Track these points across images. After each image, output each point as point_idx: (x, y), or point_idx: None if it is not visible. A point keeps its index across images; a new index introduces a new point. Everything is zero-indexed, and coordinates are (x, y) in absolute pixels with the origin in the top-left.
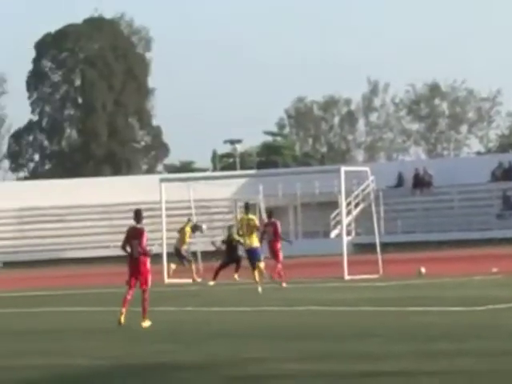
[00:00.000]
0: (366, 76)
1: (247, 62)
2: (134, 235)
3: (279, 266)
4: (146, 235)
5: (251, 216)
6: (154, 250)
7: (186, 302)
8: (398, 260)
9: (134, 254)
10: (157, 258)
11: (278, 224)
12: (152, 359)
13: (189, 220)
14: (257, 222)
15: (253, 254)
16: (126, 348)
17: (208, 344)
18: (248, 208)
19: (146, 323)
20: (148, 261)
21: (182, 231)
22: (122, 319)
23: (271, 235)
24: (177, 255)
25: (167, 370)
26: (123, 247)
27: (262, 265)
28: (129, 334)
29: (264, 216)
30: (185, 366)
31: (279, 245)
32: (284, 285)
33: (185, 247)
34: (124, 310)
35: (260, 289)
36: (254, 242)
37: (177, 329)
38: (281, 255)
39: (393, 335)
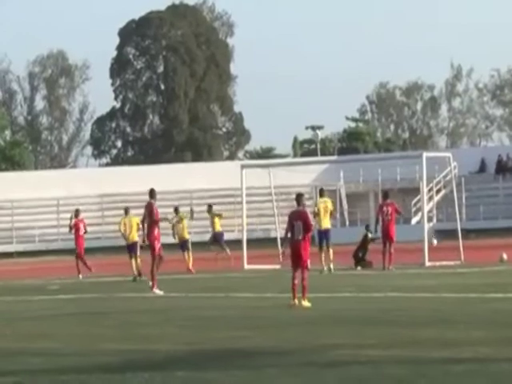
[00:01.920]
0: (450, 61)
1: (329, 47)
2: (296, 217)
3: (393, 249)
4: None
5: (326, 199)
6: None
7: (264, 288)
8: (479, 246)
9: (295, 236)
10: (237, 244)
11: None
12: (228, 345)
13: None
14: (331, 205)
15: (325, 235)
16: (203, 334)
17: (285, 330)
18: (323, 192)
19: (306, 303)
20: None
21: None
22: (296, 301)
23: (389, 216)
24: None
25: (243, 355)
26: (286, 232)
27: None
28: (206, 321)
29: (344, 202)
30: (261, 352)
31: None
32: (391, 268)
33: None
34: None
35: (326, 269)
36: (328, 223)
37: (254, 315)
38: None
39: (474, 322)
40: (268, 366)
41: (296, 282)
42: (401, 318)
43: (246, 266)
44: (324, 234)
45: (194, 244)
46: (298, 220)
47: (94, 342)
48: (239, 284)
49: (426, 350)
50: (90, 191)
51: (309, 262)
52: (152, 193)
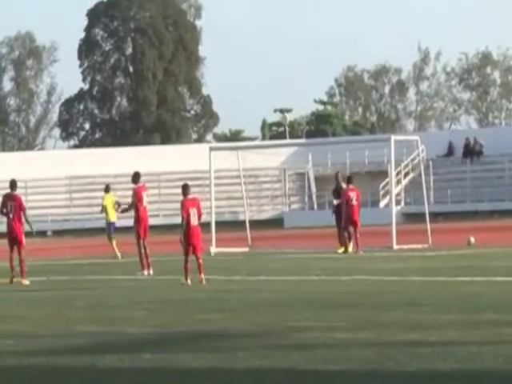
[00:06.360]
0: (417, 44)
1: (297, 30)
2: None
3: (358, 234)
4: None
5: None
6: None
7: (233, 271)
8: (447, 230)
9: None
10: (205, 226)
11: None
12: (199, 328)
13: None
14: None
15: None
16: (173, 317)
17: (255, 313)
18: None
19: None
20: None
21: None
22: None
23: (354, 201)
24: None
25: (212, 338)
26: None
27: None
28: (176, 304)
29: (313, 185)
30: (230, 335)
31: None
32: (361, 253)
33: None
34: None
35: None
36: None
37: (222, 298)
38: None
39: (441, 305)
40: (236, 348)
41: None
42: (368, 300)
43: (214, 249)
44: None
45: (165, 226)
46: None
47: (65, 324)
48: (207, 266)
49: (393, 332)
50: (59, 173)
51: None
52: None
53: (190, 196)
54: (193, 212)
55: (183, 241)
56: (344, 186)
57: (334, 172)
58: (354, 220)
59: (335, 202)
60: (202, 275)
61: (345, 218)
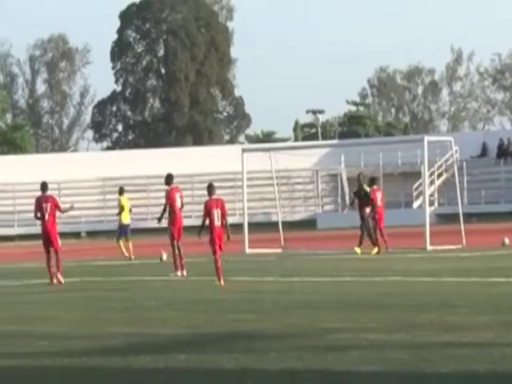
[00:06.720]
0: (450, 45)
1: (329, 31)
2: None
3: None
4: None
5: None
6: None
7: (266, 272)
8: (481, 230)
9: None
10: (238, 227)
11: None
12: (231, 328)
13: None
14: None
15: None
16: (206, 318)
17: (287, 314)
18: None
19: None
20: None
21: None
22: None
23: (379, 202)
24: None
25: (245, 339)
26: None
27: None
28: (209, 305)
29: (346, 186)
30: (263, 336)
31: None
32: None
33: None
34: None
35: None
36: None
37: (257, 299)
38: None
39: (476, 306)
40: (269, 349)
41: None
42: (402, 302)
43: (248, 250)
44: None
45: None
46: None
47: (99, 325)
48: (240, 268)
49: (428, 334)
50: (91, 175)
51: None
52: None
53: (215, 196)
54: (216, 212)
55: (209, 242)
56: (366, 187)
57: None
58: (380, 220)
59: (351, 202)
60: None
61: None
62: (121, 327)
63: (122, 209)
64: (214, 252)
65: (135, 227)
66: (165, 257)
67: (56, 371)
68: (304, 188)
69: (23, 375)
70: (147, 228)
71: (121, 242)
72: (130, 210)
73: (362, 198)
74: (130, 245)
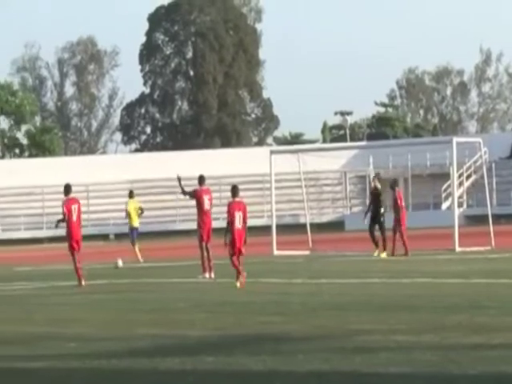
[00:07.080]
0: (479, 46)
1: (357, 32)
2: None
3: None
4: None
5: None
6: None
7: (294, 274)
8: (510, 232)
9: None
10: (266, 229)
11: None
12: (259, 330)
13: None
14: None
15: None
16: (234, 320)
17: (315, 316)
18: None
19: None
20: None
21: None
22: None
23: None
24: None
25: (272, 341)
26: None
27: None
28: (236, 307)
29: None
30: (290, 338)
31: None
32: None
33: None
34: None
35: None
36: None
37: (284, 301)
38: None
39: (505, 307)
40: (296, 351)
41: None
42: (430, 303)
43: (276, 252)
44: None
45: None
46: None
47: (126, 326)
48: (268, 269)
49: (456, 335)
50: (119, 177)
51: None
52: (200, 179)
53: (238, 199)
54: (238, 215)
55: (228, 243)
56: (387, 189)
57: (395, 175)
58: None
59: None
60: (243, 279)
61: (398, 220)
62: (148, 329)
63: (128, 212)
64: (233, 254)
65: (164, 229)
66: (120, 263)
67: (84, 373)
68: (332, 190)
69: (52, 377)
70: (176, 230)
71: (136, 246)
72: (141, 213)
73: (378, 200)
74: (137, 248)
